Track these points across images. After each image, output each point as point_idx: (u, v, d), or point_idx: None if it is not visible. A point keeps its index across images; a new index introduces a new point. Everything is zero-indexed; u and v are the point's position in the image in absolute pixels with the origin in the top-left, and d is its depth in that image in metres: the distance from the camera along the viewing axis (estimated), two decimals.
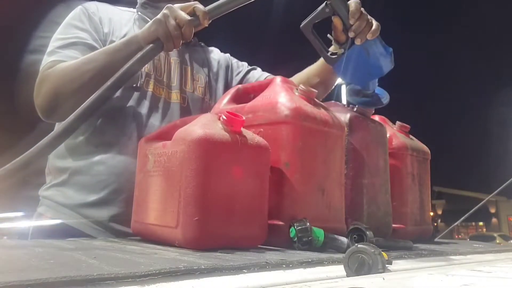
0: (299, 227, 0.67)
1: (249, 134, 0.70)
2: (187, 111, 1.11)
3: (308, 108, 0.80)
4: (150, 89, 1.07)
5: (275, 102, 0.78)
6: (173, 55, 1.15)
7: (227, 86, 1.24)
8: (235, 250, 0.62)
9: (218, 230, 0.64)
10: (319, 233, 0.68)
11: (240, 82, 1.27)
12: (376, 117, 1.08)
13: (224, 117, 0.68)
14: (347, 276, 0.49)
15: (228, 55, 1.33)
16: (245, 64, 1.33)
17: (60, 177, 1.02)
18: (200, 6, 0.89)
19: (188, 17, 0.87)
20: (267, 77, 1.28)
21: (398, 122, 1.14)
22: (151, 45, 0.85)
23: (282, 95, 0.79)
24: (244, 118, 0.69)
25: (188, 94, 1.14)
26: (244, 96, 0.94)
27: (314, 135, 0.79)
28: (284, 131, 0.76)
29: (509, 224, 23.26)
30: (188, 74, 1.16)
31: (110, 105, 0.99)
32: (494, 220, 23.57)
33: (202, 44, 1.29)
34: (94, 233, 0.96)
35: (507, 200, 21.92)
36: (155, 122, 1.04)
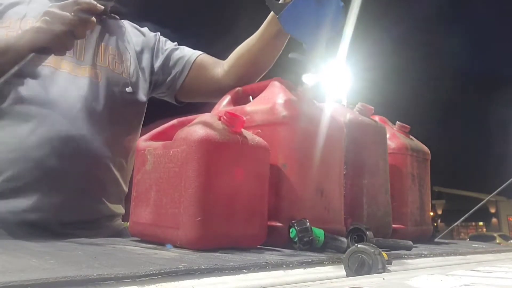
0: (300, 227, 0.67)
1: (249, 134, 0.70)
2: (102, 87, 1.01)
3: (306, 109, 0.80)
4: (50, 64, 0.94)
5: (273, 103, 0.78)
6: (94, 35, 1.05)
7: (151, 68, 1.15)
8: (235, 250, 0.63)
9: (220, 230, 0.64)
10: (319, 233, 0.68)
11: (163, 65, 1.16)
12: (376, 117, 1.08)
13: (225, 118, 0.68)
14: (347, 276, 0.49)
15: (156, 34, 1.21)
16: (172, 45, 1.20)
17: None
18: (80, 0, 0.80)
19: (76, 16, 0.78)
20: (196, 58, 1.15)
21: (398, 122, 1.14)
22: (33, 54, 0.78)
23: (280, 96, 0.79)
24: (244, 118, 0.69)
25: (103, 70, 1.03)
26: (244, 97, 0.94)
27: (312, 136, 0.78)
28: (282, 132, 0.76)
29: (509, 224, 23.26)
30: (109, 51, 1.06)
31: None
32: (494, 220, 23.58)
33: (125, 21, 1.17)
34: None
35: (507, 200, 21.93)
36: (55, 97, 0.93)
